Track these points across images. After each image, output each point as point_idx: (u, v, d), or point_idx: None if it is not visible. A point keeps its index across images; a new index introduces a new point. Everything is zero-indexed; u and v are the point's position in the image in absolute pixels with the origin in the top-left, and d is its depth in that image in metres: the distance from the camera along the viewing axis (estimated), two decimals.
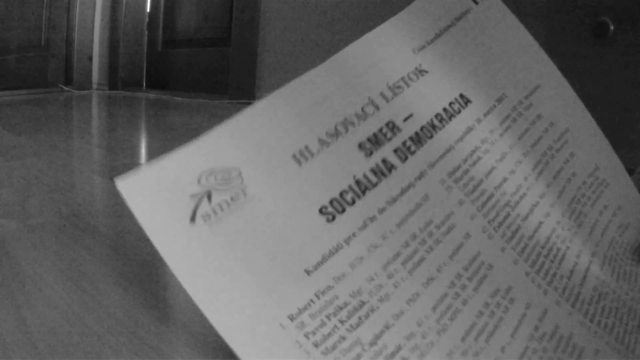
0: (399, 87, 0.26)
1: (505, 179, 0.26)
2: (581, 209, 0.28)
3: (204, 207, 0.21)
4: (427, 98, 0.27)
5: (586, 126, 0.30)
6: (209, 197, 0.21)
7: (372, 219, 0.23)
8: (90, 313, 0.26)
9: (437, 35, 0.28)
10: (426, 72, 0.27)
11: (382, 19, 0.25)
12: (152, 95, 2.09)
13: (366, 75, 0.26)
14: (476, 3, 0.29)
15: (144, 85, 2.35)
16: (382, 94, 0.26)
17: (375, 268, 0.21)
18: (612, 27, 0.76)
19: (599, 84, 0.77)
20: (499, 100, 0.28)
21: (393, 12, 0.26)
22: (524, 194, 0.26)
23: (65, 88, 2.14)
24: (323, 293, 0.20)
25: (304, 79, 0.25)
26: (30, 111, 1.33)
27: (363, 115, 0.25)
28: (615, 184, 0.29)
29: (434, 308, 0.21)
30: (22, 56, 2.03)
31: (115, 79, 2.27)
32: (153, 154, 0.77)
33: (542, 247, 0.25)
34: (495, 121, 0.27)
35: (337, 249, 0.21)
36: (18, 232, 0.38)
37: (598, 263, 0.26)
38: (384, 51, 0.27)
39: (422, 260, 0.22)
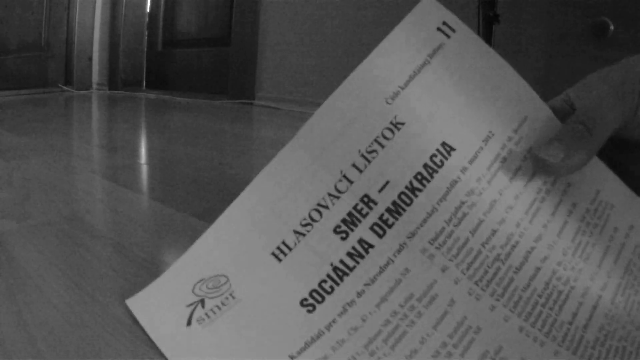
0: (372, 151, 0.25)
1: (494, 232, 0.24)
2: (588, 239, 0.25)
3: (199, 312, 0.24)
4: (404, 158, 0.25)
5: None
6: (203, 304, 0.24)
7: (351, 303, 0.23)
8: (90, 313, 0.26)
9: (411, 77, 0.25)
10: (402, 124, 0.25)
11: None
12: (152, 95, 2.09)
13: (336, 144, 0.25)
14: (448, 37, 0.26)
15: (144, 85, 2.35)
16: (354, 165, 0.25)
17: (357, 348, 0.22)
18: (612, 27, 0.76)
19: None
20: (486, 140, 0.25)
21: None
22: (517, 242, 0.24)
23: (65, 88, 2.14)
24: None
25: (272, 167, 0.26)
26: (31, 111, 1.33)
27: (336, 195, 0.25)
28: (621, 204, 0.27)
29: None
30: (22, 56, 2.04)
31: (115, 79, 2.27)
32: (153, 154, 0.77)
33: (540, 296, 0.24)
34: (482, 166, 0.25)
35: (319, 335, 0.23)
36: (18, 232, 0.38)
37: (609, 296, 0.24)
38: (354, 110, 0.25)
39: (404, 334, 0.22)
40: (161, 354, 0.23)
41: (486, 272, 0.24)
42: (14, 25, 1.98)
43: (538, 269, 0.24)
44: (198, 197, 0.51)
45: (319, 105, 0.26)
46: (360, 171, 0.25)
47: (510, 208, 0.25)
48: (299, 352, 0.22)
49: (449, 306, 0.23)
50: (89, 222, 0.41)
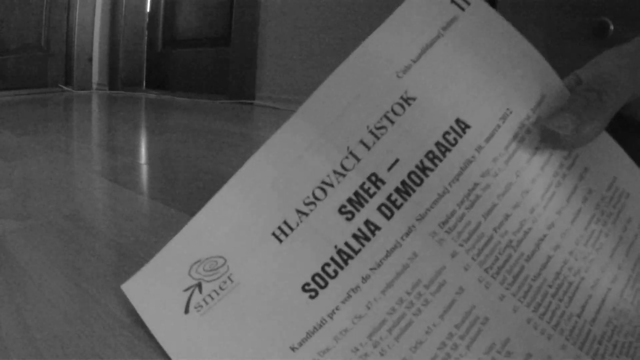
0: (381, 127, 0.24)
1: (507, 216, 0.23)
2: (601, 228, 0.24)
3: (196, 298, 0.23)
4: (415, 135, 0.23)
5: (599, 137, 0.25)
6: (200, 288, 0.24)
7: (356, 289, 0.23)
8: (90, 313, 0.26)
9: (423, 50, 0.24)
10: (413, 99, 0.24)
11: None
12: (152, 95, 2.09)
13: (344, 119, 0.24)
14: (462, 9, 0.25)
15: (144, 85, 2.35)
16: (362, 142, 0.24)
17: (361, 338, 0.21)
18: (612, 27, 0.76)
19: None
20: (504, 117, 0.24)
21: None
22: (529, 229, 0.23)
23: (65, 88, 2.14)
24: None
25: (274, 140, 0.24)
26: (31, 111, 1.33)
27: (342, 173, 0.24)
28: (637, 193, 0.26)
29: None
30: (22, 56, 2.04)
31: (115, 79, 2.27)
32: (153, 154, 0.77)
33: (550, 286, 0.23)
34: (500, 145, 0.23)
35: (321, 324, 0.22)
36: (18, 232, 0.38)
37: (619, 289, 0.24)
38: (363, 83, 0.24)
39: (409, 324, 0.22)
40: (162, 354, 0.23)
41: (497, 259, 0.23)
42: (14, 25, 1.98)
43: (549, 258, 0.23)
44: (198, 197, 0.51)
45: None
46: (368, 148, 0.24)
47: (526, 192, 0.23)
48: (300, 344, 0.22)
49: (457, 294, 0.22)
50: (89, 222, 0.41)
